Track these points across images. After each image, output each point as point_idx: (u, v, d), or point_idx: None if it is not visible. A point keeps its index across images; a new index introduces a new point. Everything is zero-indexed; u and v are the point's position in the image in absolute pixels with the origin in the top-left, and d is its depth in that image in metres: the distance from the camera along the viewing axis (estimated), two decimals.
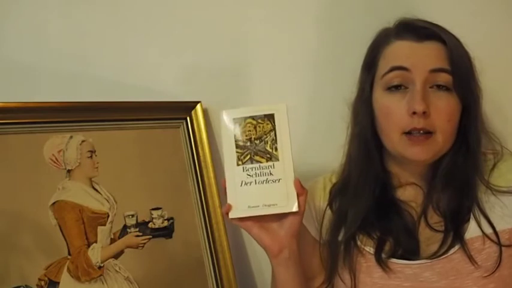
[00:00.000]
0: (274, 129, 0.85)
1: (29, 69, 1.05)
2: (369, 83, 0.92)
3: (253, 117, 0.86)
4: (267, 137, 0.85)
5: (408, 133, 0.85)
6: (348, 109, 0.96)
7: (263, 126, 0.85)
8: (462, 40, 0.88)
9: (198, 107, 1.10)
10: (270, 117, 0.85)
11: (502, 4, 1.09)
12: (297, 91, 1.14)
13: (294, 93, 1.13)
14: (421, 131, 0.84)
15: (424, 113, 0.83)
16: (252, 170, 0.84)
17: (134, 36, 1.11)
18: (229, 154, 0.85)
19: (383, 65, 0.89)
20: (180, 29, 1.12)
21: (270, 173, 0.84)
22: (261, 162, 0.84)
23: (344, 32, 1.12)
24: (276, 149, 0.84)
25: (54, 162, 0.93)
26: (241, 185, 0.84)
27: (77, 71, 1.07)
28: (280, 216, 0.85)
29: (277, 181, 0.84)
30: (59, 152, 0.94)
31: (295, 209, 0.83)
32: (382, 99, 0.88)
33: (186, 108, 1.09)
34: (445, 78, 0.85)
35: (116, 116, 1.02)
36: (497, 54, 1.06)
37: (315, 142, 1.12)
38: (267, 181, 0.84)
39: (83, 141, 0.97)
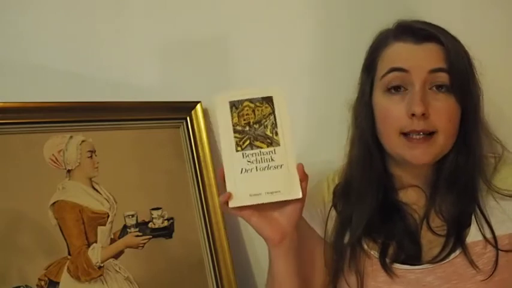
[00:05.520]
0: (273, 112, 0.81)
1: (29, 69, 1.05)
2: (369, 85, 0.91)
3: (250, 100, 0.81)
4: (266, 121, 0.81)
5: (406, 134, 0.84)
6: (348, 111, 0.96)
7: (262, 110, 0.81)
8: (464, 42, 0.87)
9: (198, 107, 1.10)
10: (269, 100, 0.81)
11: (505, 5, 1.09)
12: (297, 91, 1.13)
13: (293, 93, 1.12)
14: (421, 133, 0.83)
15: (423, 114, 0.82)
16: (253, 156, 0.80)
17: (134, 37, 1.11)
18: (227, 139, 0.81)
19: (382, 67, 0.89)
20: (181, 29, 1.12)
21: (272, 159, 0.80)
22: (261, 147, 0.80)
23: (340, 30, 1.12)
24: (277, 134, 0.80)
25: (54, 162, 0.93)
26: (241, 172, 0.80)
27: (77, 71, 1.07)
28: (281, 204, 0.81)
29: (279, 167, 0.80)
30: (59, 152, 0.94)
31: (299, 195, 0.80)
32: (381, 101, 0.88)
33: (186, 108, 1.09)
34: (443, 77, 0.84)
35: (115, 116, 1.02)
36: (500, 56, 1.05)
37: (313, 141, 1.12)
38: (268, 167, 0.80)
39: (83, 141, 0.97)
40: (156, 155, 1.05)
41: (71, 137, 0.96)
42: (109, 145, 1.00)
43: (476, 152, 0.87)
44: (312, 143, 1.11)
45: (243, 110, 0.81)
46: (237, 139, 0.81)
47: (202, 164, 1.09)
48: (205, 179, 1.08)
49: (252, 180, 0.80)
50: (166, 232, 1.02)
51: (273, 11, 1.13)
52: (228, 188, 0.80)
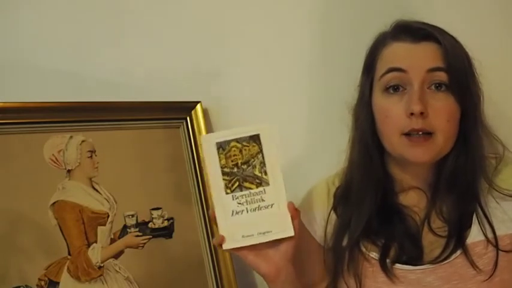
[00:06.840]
0: (261, 151, 0.80)
1: (29, 69, 1.05)
2: (368, 86, 0.91)
3: (237, 140, 0.80)
4: (254, 161, 0.80)
5: (407, 134, 0.84)
6: (349, 113, 0.96)
7: (249, 149, 0.80)
8: (464, 42, 0.87)
9: (198, 107, 1.10)
10: (256, 139, 0.80)
11: (505, 6, 1.09)
12: (296, 91, 1.14)
13: (293, 94, 1.13)
14: (420, 132, 0.83)
15: (421, 113, 0.82)
16: (242, 197, 0.80)
17: (134, 36, 1.11)
18: (215, 182, 0.80)
19: (380, 67, 0.89)
20: (181, 29, 1.12)
21: (262, 199, 0.80)
22: (251, 188, 0.80)
23: (341, 32, 1.12)
24: (266, 173, 0.80)
25: (54, 162, 0.93)
26: (232, 215, 0.80)
27: (77, 71, 1.07)
28: (275, 242, 0.82)
29: (269, 206, 0.80)
30: (59, 152, 0.94)
31: (291, 233, 0.80)
32: (380, 102, 0.88)
33: (186, 108, 1.09)
34: (442, 76, 0.84)
35: (115, 116, 1.02)
36: (500, 56, 1.05)
37: (314, 143, 1.12)
38: (259, 208, 0.80)
39: (83, 141, 0.97)
40: (156, 155, 1.05)
41: (71, 137, 0.96)
42: (109, 145, 1.00)
43: (476, 152, 0.86)
44: (312, 145, 1.11)
45: (230, 150, 0.80)
46: (226, 181, 0.80)
47: (202, 164, 1.08)
48: (205, 179, 1.08)
49: (243, 221, 0.80)
50: (166, 232, 1.02)
51: (273, 11, 1.13)
52: (221, 231, 0.80)
